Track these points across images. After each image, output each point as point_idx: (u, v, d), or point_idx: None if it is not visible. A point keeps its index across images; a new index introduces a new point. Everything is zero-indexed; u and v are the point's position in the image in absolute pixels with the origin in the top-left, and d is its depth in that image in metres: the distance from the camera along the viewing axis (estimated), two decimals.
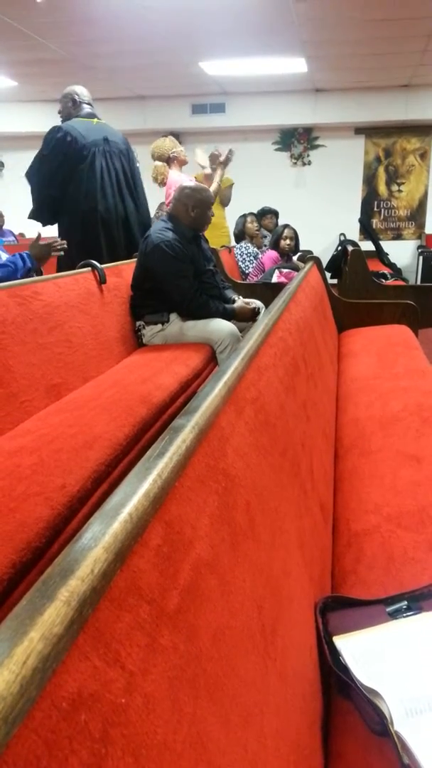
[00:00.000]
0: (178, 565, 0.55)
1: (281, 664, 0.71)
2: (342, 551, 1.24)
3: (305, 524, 1.08)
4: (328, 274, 4.02)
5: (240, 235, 5.58)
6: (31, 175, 3.21)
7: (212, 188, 3.89)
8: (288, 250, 4.90)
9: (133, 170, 3.51)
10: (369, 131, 8.15)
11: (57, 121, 3.34)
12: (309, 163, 8.42)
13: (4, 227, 6.45)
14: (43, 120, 3.45)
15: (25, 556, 1.24)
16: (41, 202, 3.21)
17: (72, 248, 2.80)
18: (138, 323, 3.09)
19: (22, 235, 7.00)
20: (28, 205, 3.27)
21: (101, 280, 2.83)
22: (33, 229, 3.23)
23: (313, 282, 2.74)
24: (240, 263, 5.37)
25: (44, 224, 3.30)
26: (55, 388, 2.23)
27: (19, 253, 2.65)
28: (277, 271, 4.59)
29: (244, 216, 5.57)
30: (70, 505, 1.42)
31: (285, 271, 4.56)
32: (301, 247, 5.26)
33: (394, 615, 0.94)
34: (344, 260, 5.63)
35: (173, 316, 3.04)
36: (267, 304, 2.52)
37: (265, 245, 5.49)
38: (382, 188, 8.38)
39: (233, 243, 5.64)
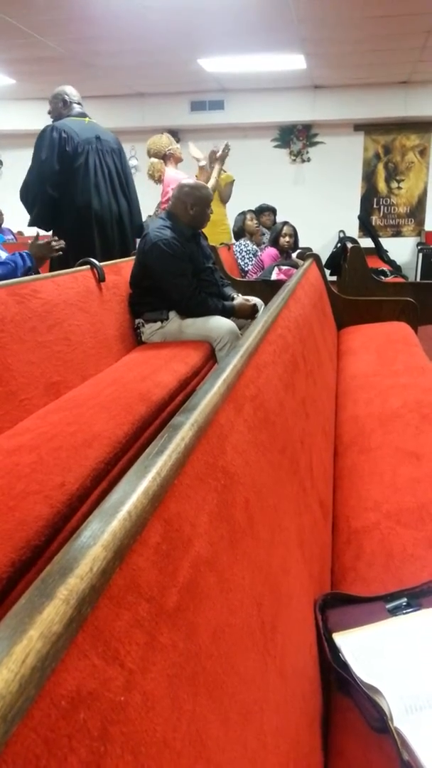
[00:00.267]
0: (177, 563, 0.55)
1: (281, 661, 0.71)
2: (341, 548, 1.24)
3: (305, 521, 1.08)
4: (327, 272, 4.02)
5: (239, 233, 5.57)
6: (30, 183, 3.19)
7: (210, 184, 3.89)
8: (287, 247, 4.90)
9: (125, 169, 3.51)
10: (368, 128, 8.14)
11: None
12: (308, 160, 8.41)
13: (4, 226, 6.44)
14: (42, 118, 3.44)
15: (25, 554, 1.24)
16: (43, 206, 3.20)
17: (66, 247, 2.80)
18: (137, 321, 3.09)
19: (20, 233, 7.00)
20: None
21: (100, 278, 2.83)
22: (32, 229, 3.23)
23: (312, 279, 2.73)
24: (239, 260, 5.37)
25: (47, 229, 3.30)
26: (54, 387, 2.23)
27: (18, 252, 2.65)
28: (276, 269, 4.58)
29: (244, 213, 5.57)
30: (70, 503, 1.42)
31: (284, 268, 4.55)
32: (301, 245, 5.26)
33: (394, 612, 0.94)
34: (343, 257, 5.63)
35: (172, 314, 3.04)
36: (266, 302, 2.52)
37: (264, 242, 5.49)
38: (381, 185, 8.37)
39: (233, 240, 5.63)
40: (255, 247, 5.48)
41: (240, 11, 4.74)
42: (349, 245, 5.26)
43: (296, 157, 8.41)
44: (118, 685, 0.41)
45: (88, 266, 2.81)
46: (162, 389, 2.25)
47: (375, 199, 8.43)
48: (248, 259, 5.34)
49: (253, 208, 5.87)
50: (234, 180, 5.34)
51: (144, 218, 4.88)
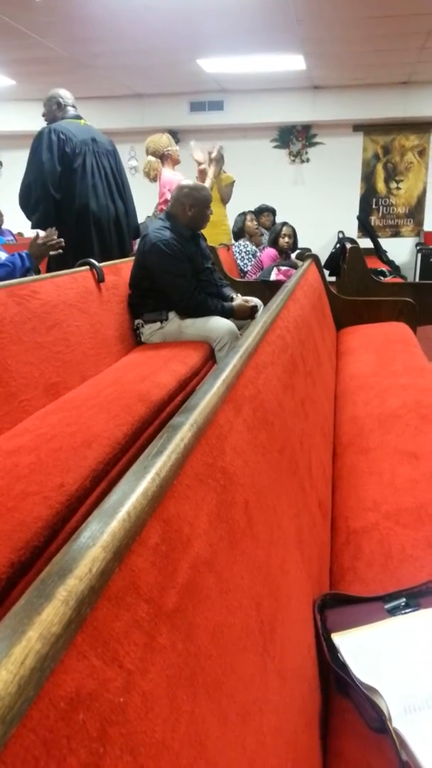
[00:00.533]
0: (176, 564, 0.55)
1: (280, 661, 0.71)
2: (340, 548, 1.24)
3: (304, 522, 1.08)
4: (326, 272, 4.01)
5: (239, 233, 5.58)
6: (31, 185, 3.18)
7: (206, 185, 3.89)
8: (286, 247, 4.90)
9: (121, 171, 3.52)
10: (367, 128, 8.14)
11: None
12: (307, 160, 8.41)
13: (3, 227, 6.43)
14: (42, 119, 3.44)
15: (24, 555, 1.24)
16: (46, 208, 3.20)
17: (65, 248, 2.80)
18: (136, 321, 3.09)
19: (20, 234, 6.99)
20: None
21: (99, 279, 2.83)
22: (32, 230, 3.22)
23: (311, 280, 2.74)
24: (238, 261, 5.37)
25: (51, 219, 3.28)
26: (53, 387, 2.23)
27: (17, 253, 2.65)
28: (275, 269, 4.59)
29: (244, 214, 5.57)
30: (69, 504, 1.42)
31: (283, 268, 4.56)
32: (300, 245, 5.26)
33: (393, 612, 0.94)
34: (343, 258, 5.63)
35: (172, 315, 3.04)
36: (265, 302, 2.52)
37: (263, 243, 5.49)
38: (380, 185, 8.37)
39: (232, 241, 5.64)
40: (254, 247, 5.49)
41: (239, 12, 4.74)
42: (348, 246, 5.25)
43: (295, 157, 8.42)
44: (117, 686, 0.41)
45: (88, 267, 2.81)
46: (161, 390, 2.25)
47: (374, 200, 8.43)
48: (247, 259, 5.34)
49: (253, 209, 5.87)
50: (234, 181, 5.34)
51: (142, 219, 4.89)
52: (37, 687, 0.35)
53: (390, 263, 7.13)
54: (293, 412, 1.29)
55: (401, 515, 1.29)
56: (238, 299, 3.23)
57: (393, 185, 8.34)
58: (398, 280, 5.83)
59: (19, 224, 3.37)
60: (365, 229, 7.77)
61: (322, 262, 3.70)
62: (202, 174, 4.50)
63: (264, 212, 6.10)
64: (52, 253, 2.75)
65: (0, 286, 2.17)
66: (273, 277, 4.51)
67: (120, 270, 3.11)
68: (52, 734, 0.35)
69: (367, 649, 0.86)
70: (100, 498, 1.49)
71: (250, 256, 5.35)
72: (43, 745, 0.34)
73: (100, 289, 2.84)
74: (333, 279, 5.72)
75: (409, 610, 0.94)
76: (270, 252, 4.93)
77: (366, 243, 6.93)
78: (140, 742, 0.41)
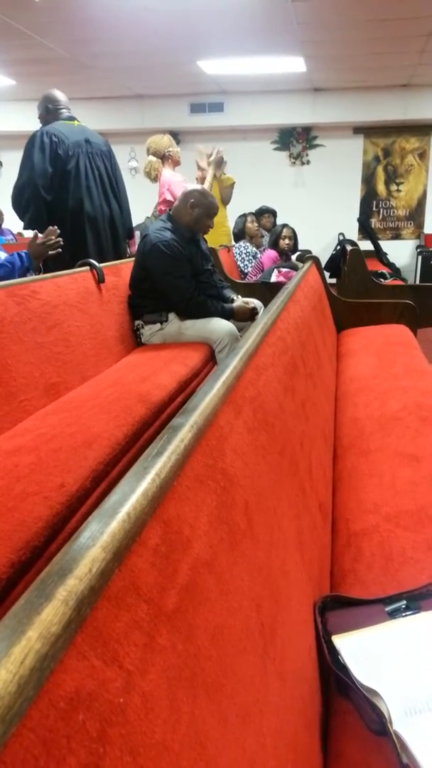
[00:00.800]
0: (176, 565, 0.55)
1: (280, 663, 0.71)
2: (341, 551, 1.24)
3: (304, 524, 1.08)
4: (326, 274, 4.02)
5: (239, 235, 5.58)
6: (23, 186, 3.18)
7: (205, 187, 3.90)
8: (287, 249, 4.91)
9: (115, 172, 3.52)
10: (368, 131, 8.15)
11: None
12: (308, 162, 8.42)
13: (4, 226, 6.43)
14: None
15: (24, 555, 1.24)
16: (37, 210, 3.20)
17: (63, 247, 2.81)
18: (137, 322, 3.09)
19: (20, 234, 6.99)
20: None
21: (99, 280, 2.83)
22: (24, 230, 3.23)
23: (311, 281, 2.74)
24: (239, 263, 5.37)
25: (41, 231, 3.29)
26: (53, 388, 2.23)
27: (17, 252, 2.65)
28: (275, 271, 4.59)
29: (244, 216, 5.57)
30: (69, 504, 1.42)
31: (284, 270, 4.56)
32: (300, 247, 5.27)
33: (393, 614, 0.94)
34: (343, 260, 5.63)
35: (172, 316, 3.04)
36: (266, 304, 2.52)
37: (264, 245, 5.50)
38: (380, 188, 8.38)
39: (232, 242, 5.64)
40: (254, 249, 5.49)
41: (240, 13, 4.74)
42: (349, 248, 5.26)
43: (296, 159, 8.43)
44: (117, 687, 0.41)
45: (88, 267, 2.81)
46: (161, 391, 2.25)
47: (374, 202, 8.44)
48: (248, 260, 5.34)
49: (254, 211, 5.88)
50: (234, 182, 5.35)
51: (141, 220, 4.89)
52: (37, 687, 0.35)
53: (390, 265, 7.14)
54: (293, 414, 1.29)
55: (402, 517, 1.29)
56: (239, 301, 3.24)
57: (393, 188, 8.35)
58: (399, 282, 5.83)
59: (19, 224, 3.37)
60: (366, 231, 7.77)
61: (323, 264, 3.70)
62: (202, 177, 4.51)
63: (265, 214, 6.11)
64: (51, 252, 2.75)
65: (0, 286, 2.17)
66: (273, 278, 4.51)
67: (120, 271, 3.11)
68: (51, 734, 0.35)
69: (367, 652, 0.86)
70: (100, 498, 1.49)
71: (251, 257, 5.35)
72: (42, 744, 0.34)
73: (101, 289, 2.84)
74: (333, 281, 5.73)
75: (410, 612, 0.94)
76: (270, 254, 4.94)
77: (366, 245, 6.94)
78: (140, 743, 0.41)
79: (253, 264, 5.19)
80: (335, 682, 0.86)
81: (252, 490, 0.82)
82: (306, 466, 1.26)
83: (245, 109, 7.83)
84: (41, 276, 2.55)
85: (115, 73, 6.71)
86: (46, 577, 0.42)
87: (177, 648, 0.50)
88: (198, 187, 3.16)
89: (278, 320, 1.54)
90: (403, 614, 0.94)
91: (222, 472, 0.75)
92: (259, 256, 5.22)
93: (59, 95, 3.38)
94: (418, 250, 8.10)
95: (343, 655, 0.86)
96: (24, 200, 3.19)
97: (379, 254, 7.17)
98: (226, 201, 5.31)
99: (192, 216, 3.01)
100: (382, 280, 5.10)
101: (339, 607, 0.98)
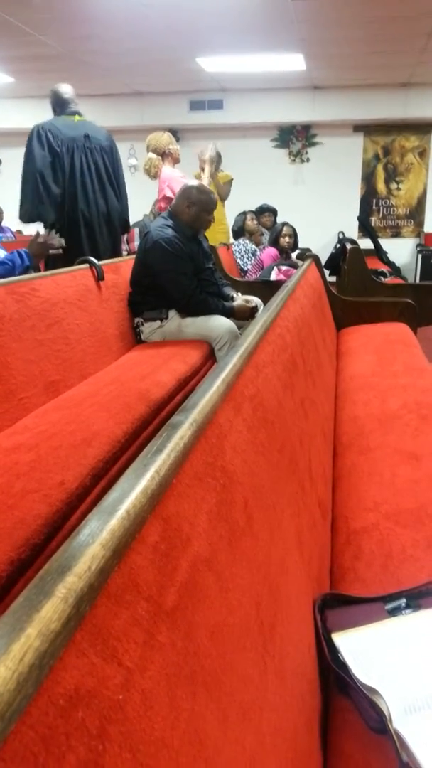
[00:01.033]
0: (175, 562, 0.55)
1: (279, 661, 0.71)
2: (341, 548, 1.24)
3: (303, 521, 1.08)
4: (326, 272, 4.01)
5: (239, 232, 5.58)
6: (28, 181, 3.18)
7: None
8: (287, 247, 4.90)
9: (116, 167, 3.51)
10: (368, 129, 8.14)
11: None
12: (308, 160, 8.41)
13: (3, 224, 6.42)
14: (41, 116, 3.45)
15: (24, 553, 1.24)
16: (38, 196, 3.18)
17: (63, 247, 2.81)
18: (136, 320, 3.09)
19: (20, 232, 6.98)
20: None
21: (99, 277, 2.83)
22: (31, 228, 3.22)
23: (311, 280, 2.73)
24: (239, 260, 5.37)
25: (50, 220, 3.27)
26: (53, 385, 2.23)
27: (17, 251, 2.64)
28: (275, 269, 4.59)
29: (244, 213, 5.57)
30: (69, 501, 1.42)
31: (284, 268, 4.55)
32: (300, 245, 5.26)
33: (393, 612, 0.94)
34: (343, 258, 5.62)
35: (172, 313, 3.04)
36: (265, 302, 2.52)
37: (264, 243, 5.49)
38: (380, 186, 8.37)
39: (232, 240, 5.63)
40: (254, 246, 5.49)
41: (239, 11, 4.74)
42: (349, 246, 5.25)
43: (295, 157, 8.41)
44: (116, 684, 0.41)
45: (87, 265, 2.81)
46: (161, 388, 2.24)
47: (374, 200, 8.44)
48: (247, 258, 5.34)
49: (254, 209, 5.87)
50: (232, 179, 5.34)
51: (140, 217, 4.87)
52: (36, 684, 0.35)
53: (390, 264, 7.13)
54: (293, 412, 1.29)
55: (401, 516, 1.29)
56: (239, 299, 3.23)
57: (393, 186, 8.34)
58: (398, 281, 5.83)
59: (18, 222, 3.36)
60: (366, 229, 7.77)
61: (323, 263, 3.70)
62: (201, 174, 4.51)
63: (265, 212, 6.10)
64: (51, 252, 2.75)
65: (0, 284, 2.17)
66: (273, 276, 4.51)
67: (119, 268, 3.11)
68: (51, 731, 0.35)
69: (367, 650, 0.86)
70: (99, 496, 1.49)
71: (250, 254, 5.35)
72: (42, 742, 0.34)
73: (100, 287, 2.84)
74: (333, 279, 5.72)
75: (410, 610, 0.94)
76: (270, 251, 4.93)
77: (366, 243, 6.93)
78: (139, 740, 0.41)
79: (252, 262, 5.18)
80: (335, 680, 0.86)
81: (251, 488, 0.82)
82: (305, 464, 1.26)
83: (245, 106, 7.81)
84: (41, 273, 2.55)
85: (114, 70, 6.70)
86: (45, 575, 0.42)
87: (176, 645, 0.50)
88: (195, 182, 3.15)
89: (278, 318, 1.54)
90: (403, 612, 0.94)
91: (221, 469, 0.75)
92: (258, 253, 5.21)
93: (66, 89, 3.38)
94: (418, 249, 8.09)
95: (343, 653, 0.86)
96: (30, 191, 3.19)
97: (379, 253, 7.17)
98: (223, 198, 5.31)
99: (190, 214, 3.01)
100: (381, 278, 5.10)
101: (339, 605, 0.98)
